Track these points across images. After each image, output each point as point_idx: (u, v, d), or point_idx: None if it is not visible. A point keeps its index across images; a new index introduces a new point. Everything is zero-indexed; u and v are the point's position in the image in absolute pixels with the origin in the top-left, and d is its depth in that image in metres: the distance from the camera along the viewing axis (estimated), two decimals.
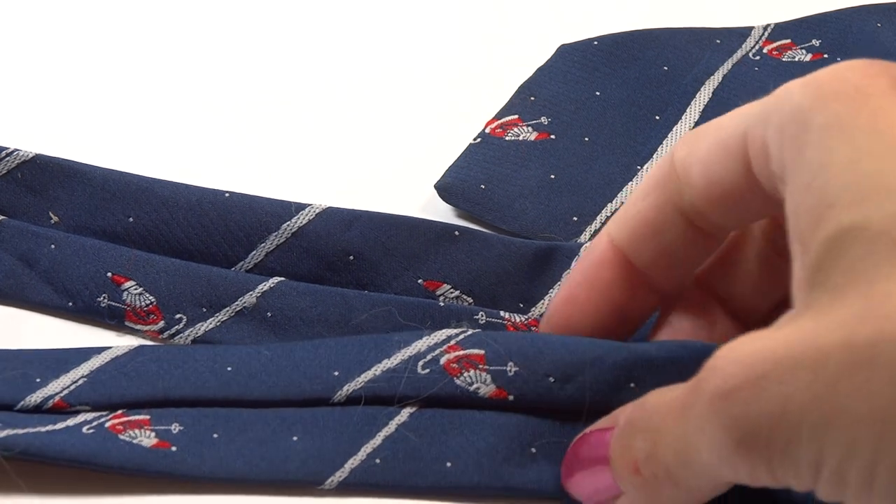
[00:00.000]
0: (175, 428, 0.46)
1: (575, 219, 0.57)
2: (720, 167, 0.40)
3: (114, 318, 0.52)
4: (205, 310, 0.52)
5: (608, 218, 0.57)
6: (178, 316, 0.52)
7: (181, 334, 0.52)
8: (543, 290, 0.53)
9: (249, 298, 0.52)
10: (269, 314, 0.51)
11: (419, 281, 0.53)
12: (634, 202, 0.43)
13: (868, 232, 0.33)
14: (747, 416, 0.34)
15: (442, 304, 0.52)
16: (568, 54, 0.66)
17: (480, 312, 0.51)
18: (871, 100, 0.35)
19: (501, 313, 0.51)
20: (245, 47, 0.69)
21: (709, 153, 0.40)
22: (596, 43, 0.66)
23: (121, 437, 0.46)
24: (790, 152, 0.36)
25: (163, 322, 0.52)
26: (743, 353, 0.34)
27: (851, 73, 0.36)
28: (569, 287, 0.46)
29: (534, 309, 0.53)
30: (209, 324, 0.52)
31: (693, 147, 0.41)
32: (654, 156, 0.60)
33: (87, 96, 0.65)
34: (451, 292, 0.53)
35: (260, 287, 0.52)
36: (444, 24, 0.71)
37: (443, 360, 0.47)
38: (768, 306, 0.45)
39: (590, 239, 0.54)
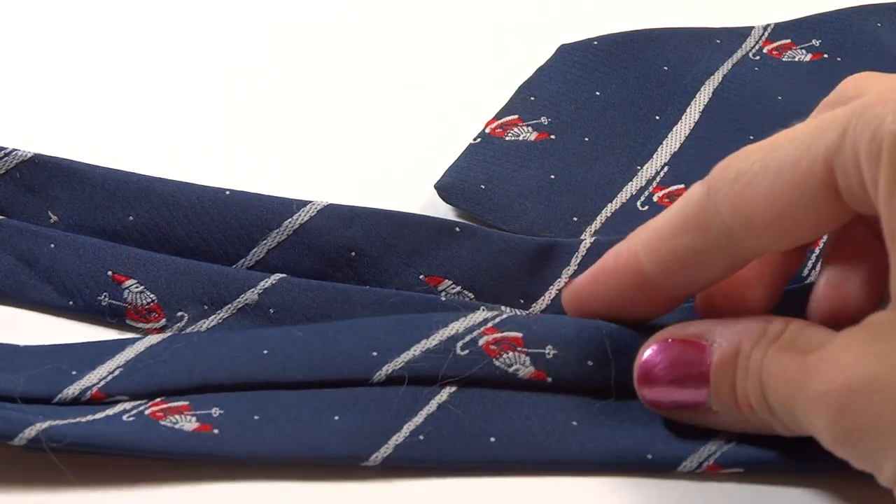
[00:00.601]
0: (215, 412, 0.47)
1: (575, 219, 0.57)
2: (797, 201, 0.40)
3: (115, 317, 0.52)
4: (206, 307, 0.52)
5: (608, 218, 0.57)
6: (179, 314, 0.52)
7: (183, 332, 0.52)
8: (544, 287, 0.53)
9: (251, 295, 0.52)
10: (271, 311, 0.51)
11: (420, 277, 0.53)
12: (666, 238, 0.44)
13: None
14: (841, 421, 0.37)
15: (443, 299, 0.52)
16: (568, 54, 0.66)
17: (482, 308, 0.51)
18: None
19: (502, 308, 0.52)
20: (245, 46, 0.69)
21: (776, 194, 0.40)
22: (596, 43, 0.66)
23: (162, 423, 0.46)
24: (889, 177, 0.37)
25: (164, 320, 0.52)
26: (844, 360, 0.38)
27: None
28: (592, 278, 0.47)
29: (534, 305, 0.53)
30: (211, 321, 0.52)
31: (745, 192, 0.41)
32: (654, 156, 0.60)
33: (85, 95, 0.65)
34: (453, 288, 0.53)
35: (261, 284, 0.52)
36: (445, 25, 0.71)
37: (481, 342, 0.48)
38: (801, 251, 0.47)
39: (590, 239, 0.54)
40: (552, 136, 0.61)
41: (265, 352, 0.48)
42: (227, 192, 0.54)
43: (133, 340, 0.49)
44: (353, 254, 0.53)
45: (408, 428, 0.47)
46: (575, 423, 0.47)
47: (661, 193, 0.58)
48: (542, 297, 0.53)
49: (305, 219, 0.53)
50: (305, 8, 0.72)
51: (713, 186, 0.42)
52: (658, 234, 0.44)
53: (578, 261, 0.54)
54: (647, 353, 0.44)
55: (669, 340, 0.44)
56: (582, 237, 0.56)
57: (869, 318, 0.38)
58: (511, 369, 0.48)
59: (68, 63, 0.68)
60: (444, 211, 0.58)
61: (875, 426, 0.37)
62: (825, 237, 0.47)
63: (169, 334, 0.50)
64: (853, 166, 0.38)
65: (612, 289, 0.46)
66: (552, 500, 0.46)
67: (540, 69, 0.65)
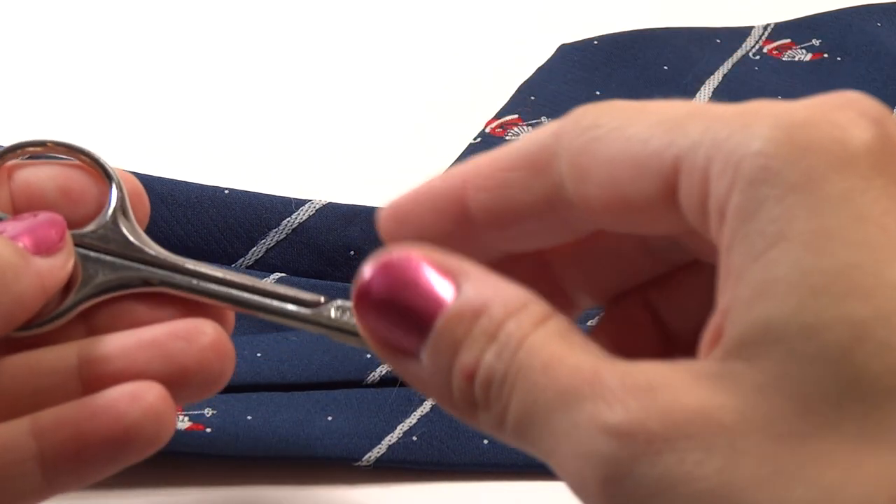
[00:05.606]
0: (208, 412, 0.47)
1: None
2: (630, 181, 0.34)
3: None
4: None
5: None
6: None
7: None
8: None
9: None
10: None
11: None
12: (499, 168, 0.36)
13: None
14: (630, 467, 0.29)
15: None
16: (568, 54, 0.66)
17: None
18: (850, 166, 0.30)
19: None
20: (246, 46, 0.69)
21: (616, 164, 0.34)
22: (596, 43, 0.66)
23: None
24: (741, 202, 0.31)
25: None
26: (659, 401, 0.30)
27: (831, 124, 0.31)
28: (407, 204, 0.38)
29: None
30: None
31: (590, 146, 0.34)
32: None
33: (85, 95, 0.65)
34: None
35: None
36: (445, 25, 0.71)
37: None
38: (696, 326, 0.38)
39: None
40: None
41: (258, 355, 0.48)
42: (227, 192, 0.54)
43: None
44: (353, 252, 0.53)
45: (401, 429, 0.47)
46: None
47: None
48: None
49: (304, 218, 0.53)
50: (307, 8, 0.72)
51: (564, 128, 0.35)
52: (492, 162, 0.36)
53: None
54: (374, 266, 0.34)
55: (415, 257, 0.34)
56: None
57: (681, 364, 0.31)
58: None
59: (68, 63, 0.68)
60: None
61: (671, 485, 0.29)
62: None
63: None
64: (699, 176, 0.32)
65: (428, 213, 0.37)
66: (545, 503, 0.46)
67: (540, 69, 0.65)
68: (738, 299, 0.30)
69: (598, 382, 0.30)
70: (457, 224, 0.36)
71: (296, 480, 0.46)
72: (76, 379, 0.38)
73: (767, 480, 0.28)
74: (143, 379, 0.37)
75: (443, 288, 0.33)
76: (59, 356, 0.38)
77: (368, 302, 0.34)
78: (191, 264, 0.38)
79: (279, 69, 0.68)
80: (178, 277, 0.38)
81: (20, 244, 0.37)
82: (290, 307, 0.38)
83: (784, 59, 0.66)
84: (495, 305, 0.33)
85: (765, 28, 0.68)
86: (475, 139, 0.60)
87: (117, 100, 0.65)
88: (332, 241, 0.53)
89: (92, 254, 0.38)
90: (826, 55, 0.66)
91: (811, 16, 0.69)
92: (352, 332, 0.37)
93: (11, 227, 0.38)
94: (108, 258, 0.38)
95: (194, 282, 0.38)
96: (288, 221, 0.53)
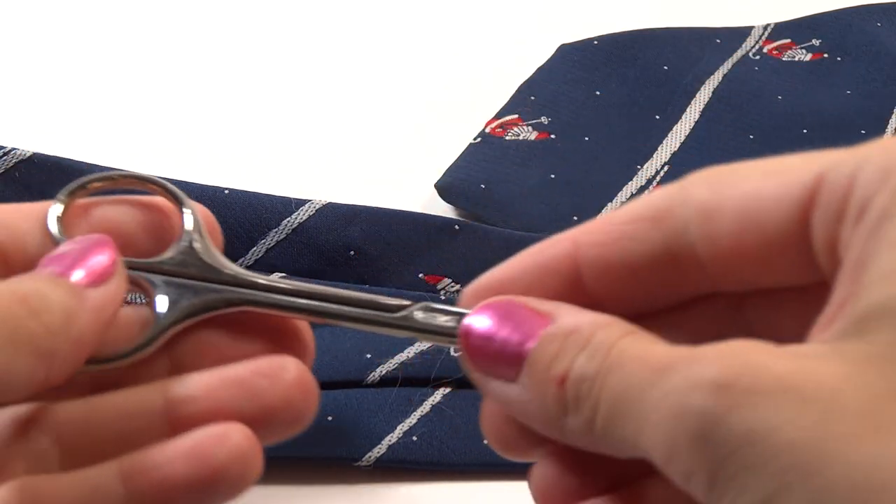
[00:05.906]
0: None
1: (575, 218, 0.57)
2: (766, 205, 0.35)
3: None
4: None
5: None
6: None
7: None
8: None
9: None
10: None
11: (420, 275, 0.53)
12: (616, 222, 0.37)
13: None
14: (723, 418, 0.30)
15: (443, 297, 0.52)
16: (568, 54, 0.66)
17: None
18: None
19: None
20: (247, 46, 0.69)
21: (753, 192, 0.35)
22: (596, 43, 0.66)
23: None
24: (886, 202, 0.32)
25: None
26: (756, 360, 0.31)
27: None
28: (509, 272, 0.39)
29: None
30: None
31: (724, 188, 0.36)
32: (655, 155, 0.60)
33: (85, 95, 0.65)
34: (452, 286, 0.52)
35: None
36: (445, 25, 0.71)
37: None
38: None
39: None
40: (552, 136, 0.61)
41: None
42: (227, 192, 0.54)
43: None
44: (353, 252, 0.53)
45: (401, 429, 0.47)
46: None
47: None
48: None
49: (304, 218, 0.53)
50: (308, 8, 0.72)
51: (691, 179, 0.36)
52: (608, 219, 0.37)
53: None
54: (478, 307, 0.36)
55: (518, 304, 0.36)
56: None
57: (783, 346, 0.32)
58: None
59: (67, 62, 0.68)
60: (444, 210, 0.58)
61: (766, 439, 0.29)
62: None
63: None
64: (844, 183, 0.33)
65: (532, 281, 0.38)
66: None
67: (540, 69, 0.65)
68: (861, 286, 0.32)
69: (692, 354, 0.31)
70: (566, 286, 0.37)
71: (296, 480, 0.46)
72: (163, 420, 0.37)
73: (864, 436, 0.29)
74: (229, 419, 0.37)
75: (539, 321, 0.35)
76: (145, 397, 0.38)
77: (473, 338, 0.36)
78: (272, 281, 0.38)
79: (280, 70, 0.68)
80: (260, 295, 0.38)
81: (72, 279, 0.37)
82: (375, 313, 0.38)
83: (784, 59, 0.66)
84: (585, 324, 0.35)
85: (765, 28, 0.68)
86: (475, 139, 0.60)
87: (118, 101, 0.65)
88: (332, 241, 0.53)
89: (174, 280, 0.38)
90: (826, 55, 0.66)
91: (811, 16, 0.69)
92: (441, 333, 0.37)
93: (58, 262, 0.37)
94: (189, 282, 0.38)
95: (276, 297, 0.38)
96: (288, 221, 0.53)
